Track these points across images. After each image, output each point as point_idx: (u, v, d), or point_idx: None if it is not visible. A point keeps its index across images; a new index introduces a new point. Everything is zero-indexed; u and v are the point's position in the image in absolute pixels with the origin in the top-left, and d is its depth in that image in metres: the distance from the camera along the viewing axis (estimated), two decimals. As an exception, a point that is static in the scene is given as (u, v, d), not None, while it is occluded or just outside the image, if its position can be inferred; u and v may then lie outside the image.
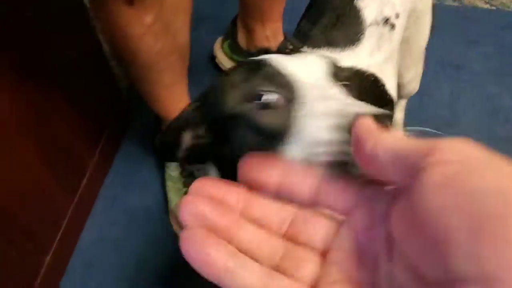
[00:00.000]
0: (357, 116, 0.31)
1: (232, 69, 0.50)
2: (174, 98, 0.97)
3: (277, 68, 0.44)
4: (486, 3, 1.47)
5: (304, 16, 0.82)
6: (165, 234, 1.07)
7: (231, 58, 1.26)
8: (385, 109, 0.76)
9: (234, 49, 1.24)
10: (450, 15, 1.41)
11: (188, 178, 1.05)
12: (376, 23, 0.74)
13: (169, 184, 1.09)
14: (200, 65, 1.32)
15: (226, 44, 1.26)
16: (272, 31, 1.15)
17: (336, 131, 0.37)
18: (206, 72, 1.32)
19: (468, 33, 1.38)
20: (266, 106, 0.42)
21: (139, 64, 0.84)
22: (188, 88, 1.04)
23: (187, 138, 0.52)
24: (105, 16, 0.76)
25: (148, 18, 0.76)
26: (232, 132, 0.45)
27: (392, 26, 0.76)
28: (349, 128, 0.35)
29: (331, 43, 0.73)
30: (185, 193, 1.02)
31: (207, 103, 0.49)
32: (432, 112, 1.24)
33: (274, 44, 1.16)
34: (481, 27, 1.38)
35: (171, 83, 0.94)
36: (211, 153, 0.52)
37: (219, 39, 1.30)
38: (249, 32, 1.18)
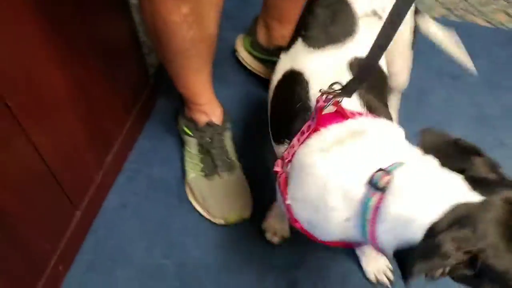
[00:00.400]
0: None
1: None
2: (199, 82, 1.11)
3: None
4: (487, 22, 1.60)
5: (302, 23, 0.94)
6: (181, 202, 1.21)
7: (250, 53, 1.39)
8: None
9: (253, 45, 1.37)
10: (452, 30, 1.55)
11: (205, 155, 1.19)
12: (366, 15, 0.88)
13: (187, 160, 1.22)
14: (223, 59, 1.45)
15: (247, 40, 1.39)
16: (288, 31, 1.27)
17: None
18: (228, 65, 1.47)
19: (466, 47, 1.51)
20: None
21: (172, 49, 0.98)
22: (213, 86, 1.19)
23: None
24: (149, 6, 0.90)
25: (185, 9, 0.89)
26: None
27: (380, 18, 0.89)
28: None
29: (333, 40, 0.86)
30: (201, 169, 1.17)
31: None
32: (427, 115, 1.37)
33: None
34: (479, 42, 1.51)
35: (198, 68, 1.07)
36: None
37: (241, 36, 1.43)
38: (269, 30, 1.31)
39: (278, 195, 0.89)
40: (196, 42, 0.99)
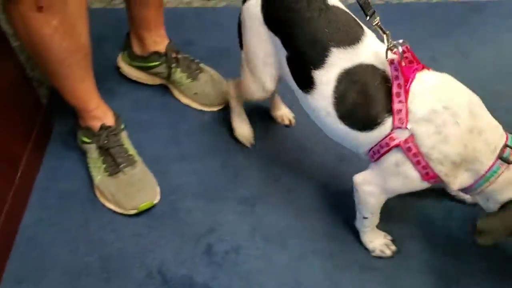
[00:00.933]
0: None
1: None
2: (85, 89, 1.25)
3: None
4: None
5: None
6: (93, 206, 1.31)
7: (130, 65, 1.54)
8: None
9: (132, 57, 1.51)
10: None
11: (106, 156, 1.30)
12: None
13: (91, 166, 1.33)
14: (108, 75, 1.59)
15: (125, 54, 1.54)
16: (158, 37, 1.45)
17: None
18: (113, 81, 1.59)
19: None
20: None
21: (51, 60, 1.11)
22: (99, 93, 1.31)
23: None
24: (20, 21, 1.03)
25: (54, 21, 1.03)
26: None
27: None
28: None
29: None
30: (105, 169, 1.28)
31: None
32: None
33: (161, 47, 1.45)
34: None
35: (80, 77, 1.20)
36: None
37: (120, 54, 1.58)
38: (141, 40, 1.46)
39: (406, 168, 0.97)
40: (72, 52, 1.13)
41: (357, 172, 1.08)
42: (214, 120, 1.49)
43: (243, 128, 1.39)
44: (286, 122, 1.46)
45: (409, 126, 0.93)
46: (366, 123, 0.97)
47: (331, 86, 0.99)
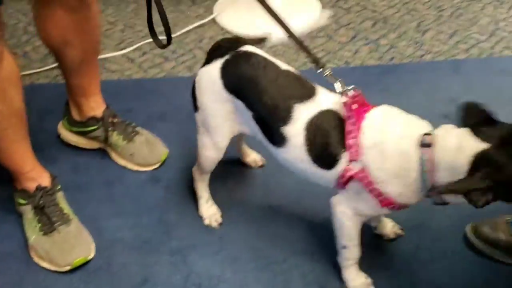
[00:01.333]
0: None
1: None
2: (21, 152, 1.32)
3: None
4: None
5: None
6: (28, 266, 1.34)
7: (70, 130, 1.63)
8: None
9: (71, 123, 1.61)
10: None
11: (42, 215, 1.35)
12: None
13: (27, 226, 1.37)
14: (49, 144, 1.67)
15: (65, 121, 1.63)
16: (95, 102, 1.56)
17: None
18: (54, 148, 1.67)
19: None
20: None
21: (-13, 124, 1.19)
22: (35, 157, 1.39)
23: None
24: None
25: (-13, 88, 1.13)
26: None
27: None
28: None
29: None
30: (40, 228, 1.33)
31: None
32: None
33: (98, 112, 1.56)
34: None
35: (16, 139, 1.29)
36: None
37: (60, 122, 1.67)
38: (78, 107, 1.56)
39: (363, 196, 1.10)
40: (6, 116, 1.21)
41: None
42: (149, 179, 1.58)
43: (210, 210, 1.44)
44: (260, 164, 1.57)
45: (361, 158, 1.06)
46: (331, 161, 1.10)
47: (301, 136, 1.13)
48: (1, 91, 1.17)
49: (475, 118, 1.03)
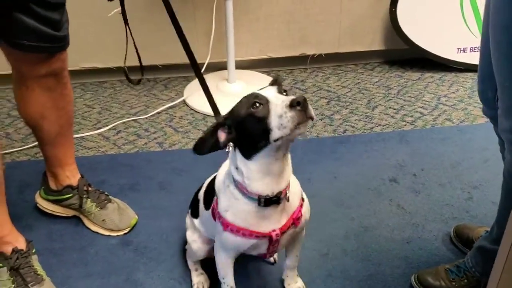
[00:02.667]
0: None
1: (242, 99, 1.06)
2: (-2, 217, 1.43)
3: (259, 93, 1.04)
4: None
5: None
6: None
7: (46, 199, 1.75)
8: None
9: (47, 192, 1.74)
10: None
11: (16, 276, 1.44)
12: None
13: (1, 287, 1.45)
14: (27, 214, 1.79)
15: (42, 191, 1.76)
16: (70, 172, 1.70)
17: (287, 108, 0.96)
18: (31, 218, 1.78)
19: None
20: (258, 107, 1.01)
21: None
22: (12, 224, 1.50)
23: (221, 135, 1.08)
24: None
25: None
26: (246, 124, 1.02)
27: None
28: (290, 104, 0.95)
29: None
30: (14, 288, 1.42)
31: (233, 114, 1.06)
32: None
33: (73, 180, 1.70)
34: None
35: (-6, 206, 1.40)
36: (236, 141, 1.07)
37: (38, 191, 1.79)
38: (55, 177, 1.70)
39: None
40: (-14, 185, 1.34)
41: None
42: (119, 243, 1.68)
43: (198, 278, 1.52)
44: None
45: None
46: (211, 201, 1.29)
47: (203, 192, 1.39)
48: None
49: None
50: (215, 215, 1.23)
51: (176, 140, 2.25)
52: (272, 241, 1.19)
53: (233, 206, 1.16)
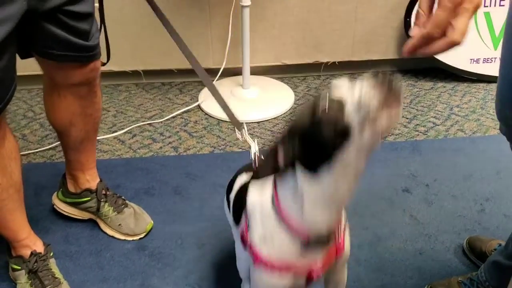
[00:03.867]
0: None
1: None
2: (17, 220, 1.45)
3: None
4: (240, 148, 2.23)
5: None
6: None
7: (64, 201, 1.77)
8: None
9: (65, 194, 1.75)
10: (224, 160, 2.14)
11: (34, 279, 1.46)
12: None
13: (20, 290, 1.48)
14: (43, 216, 1.82)
15: (60, 193, 1.77)
16: (90, 176, 1.72)
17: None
18: (47, 220, 1.81)
19: (230, 165, 2.10)
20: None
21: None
22: (30, 227, 1.52)
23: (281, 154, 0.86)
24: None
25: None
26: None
27: None
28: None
29: None
30: (31, 291, 1.44)
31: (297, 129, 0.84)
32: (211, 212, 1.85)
33: (93, 184, 1.72)
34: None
35: (13, 209, 1.42)
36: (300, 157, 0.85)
37: (55, 193, 1.82)
38: (75, 179, 1.72)
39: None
40: (5, 188, 1.36)
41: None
42: (135, 248, 1.71)
43: None
44: None
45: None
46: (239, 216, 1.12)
47: (232, 196, 1.24)
48: (3, 166, 1.32)
49: None
50: (245, 242, 1.05)
51: (191, 145, 2.27)
52: (311, 281, 1.03)
53: (271, 238, 0.97)
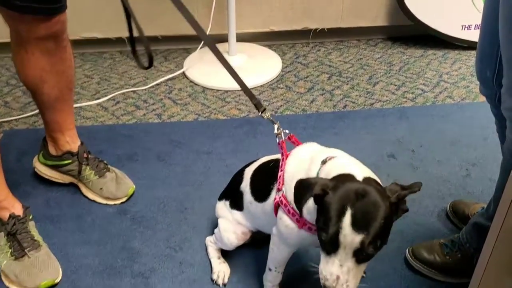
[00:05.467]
0: None
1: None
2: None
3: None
4: (224, 116, 2.20)
5: None
6: (-2, 290, 1.42)
7: (45, 164, 1.74)
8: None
9: (46, 157, 1.72)
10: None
11: (13, 241, 1.45)
12: None
13: (-2, 252, 1.47)
14: (25, 182, 1.80)
15: (41, 155, 1.74)
16: (70, 137, 1.68)
17: None
18: (29, 185, 1.79)
19: (215, 134, 2.08)
20: None
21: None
22: (15, 195, 1.51)
23: None
24: None
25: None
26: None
27: None
28: None
29: None
30: (11, 253, 1.43)
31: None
32: (193, 178, 1.83)
33: (73, 147, 1.69)
34: (222, 128, 2.10)
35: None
36: None
37: (36, 156, 1.79)
38: (55, 141, 1.69)
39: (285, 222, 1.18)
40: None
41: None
42: (116, 212, 1.69)
43: (220, 267, 1.48)
44: None
45: (284, 187, 1.19)
46: (266, 193, 1.25)
47: (247, 183, 1.35)
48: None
49: None
50: (285, 211, 1.17)
51: (175, 112, 2.24)
52: None
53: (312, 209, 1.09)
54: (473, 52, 2.75)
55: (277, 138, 1.30)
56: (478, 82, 1.37)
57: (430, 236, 1.58)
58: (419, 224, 1.65)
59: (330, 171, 1.07)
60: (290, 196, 1.14)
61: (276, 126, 1.31)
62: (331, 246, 0.96)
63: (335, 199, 0.96)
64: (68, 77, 1.59)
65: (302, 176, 1.12)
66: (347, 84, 2.46)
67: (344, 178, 1.02)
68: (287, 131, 1.31)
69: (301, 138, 1.30)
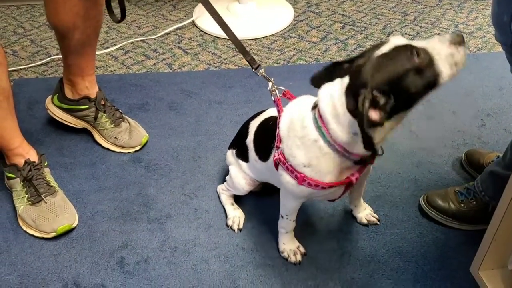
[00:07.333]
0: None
1: (388, 57, 0.99)
2: (8, 129, 1.43)
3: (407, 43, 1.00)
4: (236, 66, 2.17)
5: None
6: (16, 234, 1.44)
7: (60, 107, 1.72)
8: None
9: (62, 100, 1.70)
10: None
11: (29, 187, 1.46)
12: None
13: (15, 198, 1.47)
14: (37, 130, 1.80)
15: (56, 97, 1.72)
16: (89, 82, 1.66)
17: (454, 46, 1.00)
18: (41, 133, 1.79)
19: (225, 84, 2.05)
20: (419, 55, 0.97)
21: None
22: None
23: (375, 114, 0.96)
24: None
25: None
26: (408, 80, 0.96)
27: None
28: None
29: None
30: (28, 199, 1.44)
31: (387, 77, 0.96)
32: (206, 129, 1.82)
33: (92, 92, 1.67)
34: (234, 78, 2.07)
35: (2, 117, 1.39)
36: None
37: (49, 97, 1.75)
38: (73, 85, 1.66)
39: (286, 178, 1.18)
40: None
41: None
42: (130, 160, 1.69)
43: (234, 212, 1.49)
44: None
45: (281, 144, 1.18)
46: (268, 152, 1.25)
47: (251, 140, 1.35)
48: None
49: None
50: (284, 168, 1.17)
51: (185, 62, 2.20)
52: (350, 186, 1.19)
53: (317, 161, 1.11)
54: (490, 2, 2.66)
55: (271, 96, 1.27)
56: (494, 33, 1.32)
57: (444, 185, 1.58)
58: (433, 173, 1.64)
59: (324, 108, 1.06)
60: (288, 153, 1.15)
61: (270, 84, 1.28)
62: None
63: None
64: (98, 22, 1.56)
65: (297, 130, 1.13)
66: (360, 34, 2.41)
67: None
68: (282, 88, 1.28)
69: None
